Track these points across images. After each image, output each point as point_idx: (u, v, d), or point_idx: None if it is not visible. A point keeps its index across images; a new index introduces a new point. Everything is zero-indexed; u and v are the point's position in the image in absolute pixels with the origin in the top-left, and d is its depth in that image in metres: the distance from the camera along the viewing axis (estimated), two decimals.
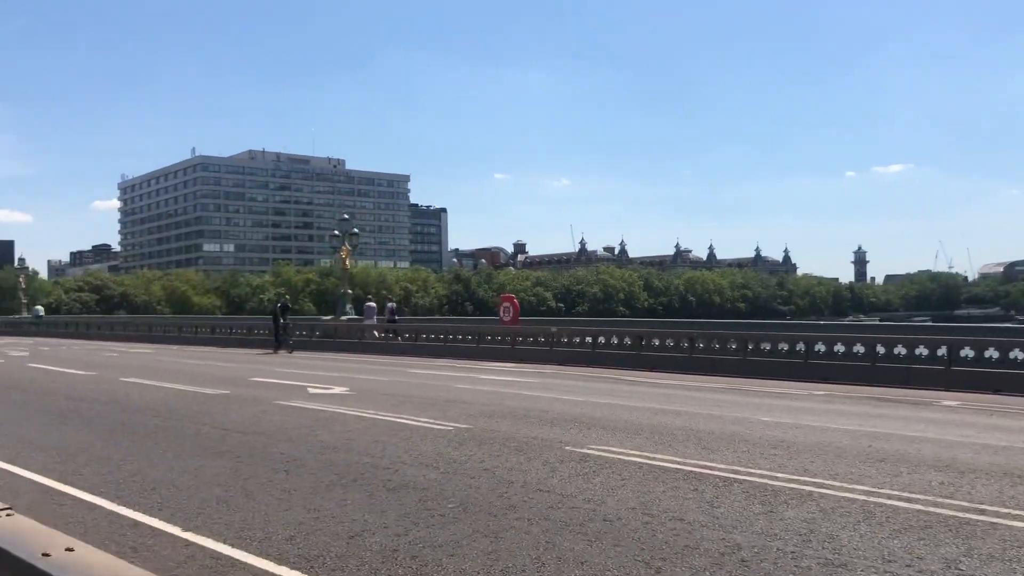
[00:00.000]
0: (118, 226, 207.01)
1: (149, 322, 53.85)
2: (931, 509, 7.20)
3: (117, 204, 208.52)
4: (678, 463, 9.12)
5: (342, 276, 42.40)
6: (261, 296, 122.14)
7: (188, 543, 6.32)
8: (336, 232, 40.75)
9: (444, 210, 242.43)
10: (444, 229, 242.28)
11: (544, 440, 10.59)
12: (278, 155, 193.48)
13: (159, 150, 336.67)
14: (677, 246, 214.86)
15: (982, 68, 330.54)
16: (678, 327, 31.60)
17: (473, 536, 6.41)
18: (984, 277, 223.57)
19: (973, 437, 11.23)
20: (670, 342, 23.87)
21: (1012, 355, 18.07)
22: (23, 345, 37.90)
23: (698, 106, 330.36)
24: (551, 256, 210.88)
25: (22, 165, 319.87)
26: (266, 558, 5.95)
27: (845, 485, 8.15)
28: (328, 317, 37.03)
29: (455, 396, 15.52)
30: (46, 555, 2.75)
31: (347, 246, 39.85)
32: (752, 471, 8.73)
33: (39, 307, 71.24)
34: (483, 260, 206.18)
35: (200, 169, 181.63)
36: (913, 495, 7.72)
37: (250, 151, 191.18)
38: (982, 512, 7.13)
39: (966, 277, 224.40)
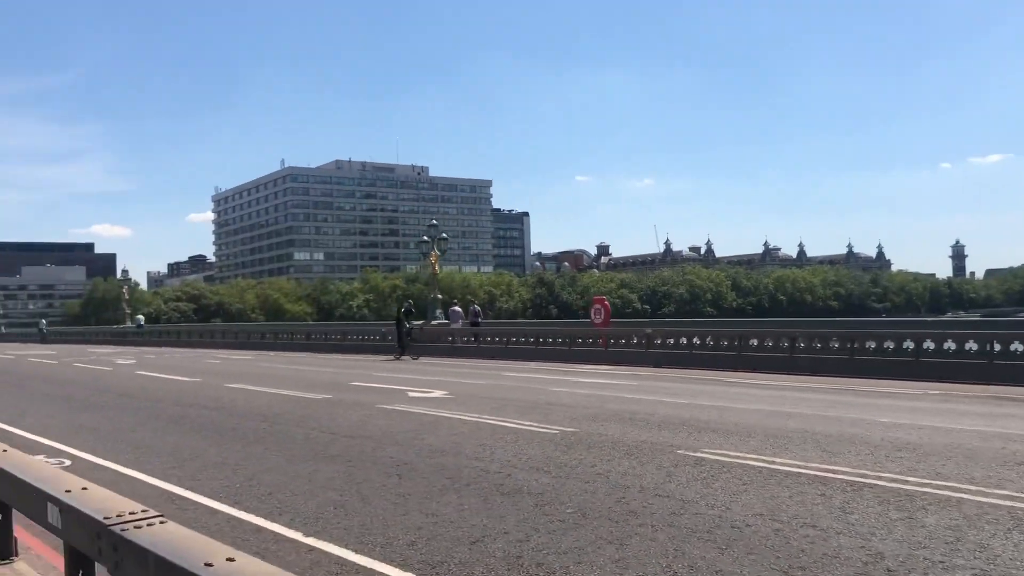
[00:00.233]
0: (212, 237, 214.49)
1: (247, 329, 55.35)
2: None
3: (211, 216, 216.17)
4: (800, 467, 8.74)
5: (431, 281, 42.73)
6: (350, 303, 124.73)
7: (311, 548, 6.31)
8: (425, 238, 41.09)
9: (526, 214, 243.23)
10: (526, 233, 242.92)
11: (654, 444, 10.32)
12: (364, 164, 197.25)
13: (250, 163, 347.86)
14: (765, 244, 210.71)
15: None
16: (777, 326, 30.78)
17: (597, 543, 6.22)
18: None
19: None
20: (769, 342, 23.21)
21: None
22: (129, 354, 39.34)
23: (782, 99, 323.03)
24: (635, 257, 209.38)
25: (121, 181, 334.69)
26: (390, 564, 5.88)
27: (984, 490, 7.67)
28: (419, 322, 37.34)
29: (554, 399, 15.35)
30: (208, 565, 2.69)
31: (436, 251, 40.15)
32: (881, 475, 8.30)
33: (140, 316, 74.15)
34: (566, 263, 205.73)
35: (289, 180, 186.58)
36: None
37: (337, 161, 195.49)
38: None
39: None
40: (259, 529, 6.89)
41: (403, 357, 30.66)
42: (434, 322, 38.75)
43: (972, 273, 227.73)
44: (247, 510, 7.49)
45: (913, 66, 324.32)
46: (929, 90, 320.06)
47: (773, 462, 9.00)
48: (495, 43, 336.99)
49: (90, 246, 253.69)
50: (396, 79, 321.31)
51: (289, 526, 6.93)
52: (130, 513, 3.27)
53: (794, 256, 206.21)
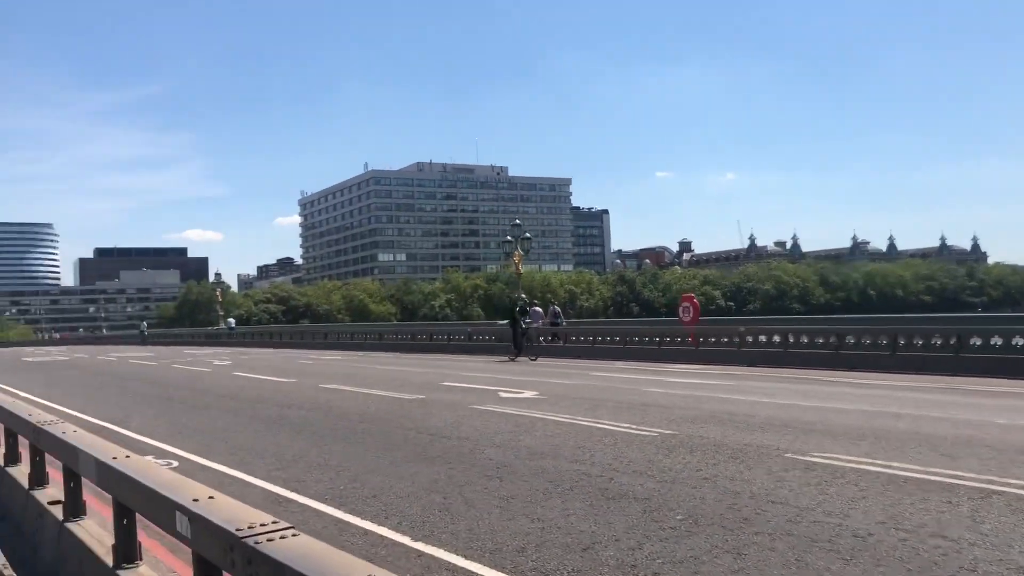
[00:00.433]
0: (299, 240, 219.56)
1: (334, 330, 56.34)
2: None
3: (298, 219, 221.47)
4: (919, 472, 8.32)
5: (513, 281, 42.78)
6: (432, 303, 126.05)
7: (421, 553, 6.26)
8: (508, 238, 41.17)
9: (606, 211, 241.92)
10: (606, 231, 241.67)
11: (759, 447, 10.00)
12: (444, 166, 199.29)
13: (335, 167, 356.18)
14: (854, 238, 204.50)
15: None
16: (872, 323, 29.72)
17: (713, 552, 6.01)
18: None
19: None
20: (867, 339, 22.39)
21: None
22: (224, 355, 40.45)
23: (870, 88, 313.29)
24: (718, 253, 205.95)
25: (212, 187, 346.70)
26: (501, 571, 5.80)
27: None
28: (504, 321, 37.36)
29: (648, 400, 15.08)
30: None
31: (520, 251, 40.18)
32: (1009, 481, 7.83)
33: (231, 319, 76.28)
34: (647, 260, 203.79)
35: (373, 183, 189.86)
36: None
37: (418, 163, 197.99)
38: None
39: None
40: (366, 532, 6.89)
41: (519, 358, 29.02)
42: None
43: None
44: (353, 512, 7.51)
45: (1008, 49, 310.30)
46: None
47: (890, 466, 8.60)
48: (572, 41, 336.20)
49: (183, 250, 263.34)
50: (475, 81, 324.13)
51: (396, 529, 6.91)
52: (261, 524, 3.23)
53: (884, 250, 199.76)
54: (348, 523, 7.20)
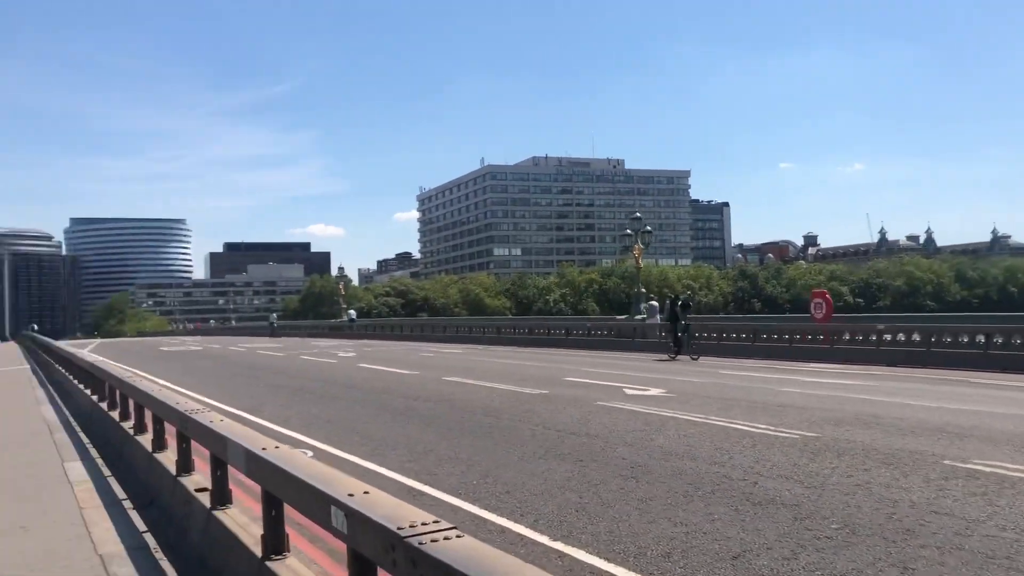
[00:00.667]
0: (417, 235, 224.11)
1: (453, 323, 57.07)
2: None
3: (416, 215, 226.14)
4: None
5: (634, 276, 42.19)
6: (547, 297, 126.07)
7: (561, 554, 6.08)
8: (628, 231, 40.59)
9: (726, 204, 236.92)
10: (727, 224, 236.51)
11: (913, 452, 9.36)
12: (560, 160, 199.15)
13: (452, 162, 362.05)
14: (994, 231, 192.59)
15: None
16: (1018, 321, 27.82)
17: (876, 564, 5.59)
18: None
19: None
20: (1018, 339, 20.91)
21: None
22: (348, 346, 41.49)
23: (1007, 73, 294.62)
24: (845, 248, 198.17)
25: (334, 184, 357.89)
26: None
27: None
28: (622, 316, 36.95)
29: (785, 400, 14.45)
30: None
31: (640, 244, 39.57)
32: None
33: (352, 311, 78.30)
34: (770, 255, 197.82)
35: (489, 178, 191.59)
36: None
37: (533, 158, 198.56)
38: None
39: None
40: (504, 530, 6.76)
41: (679, 357, 26.79)
42: (637, 317, 38.22)
43: None
44: (488, 508, 7.40)
45: None
46: None
47: None
48: (689, 31, 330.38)
49: (307, 245, 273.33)
50: (590, 74, 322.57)
51: (534, 528, 6.75)
52: (422, 524, 3.10)
53: None
54: (484, 519, 7.09)
